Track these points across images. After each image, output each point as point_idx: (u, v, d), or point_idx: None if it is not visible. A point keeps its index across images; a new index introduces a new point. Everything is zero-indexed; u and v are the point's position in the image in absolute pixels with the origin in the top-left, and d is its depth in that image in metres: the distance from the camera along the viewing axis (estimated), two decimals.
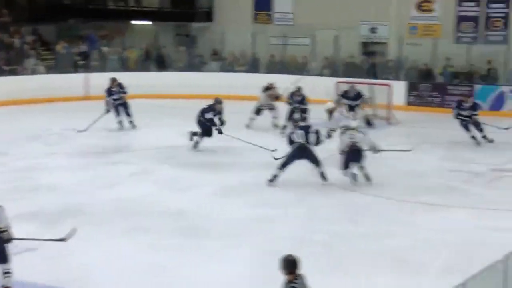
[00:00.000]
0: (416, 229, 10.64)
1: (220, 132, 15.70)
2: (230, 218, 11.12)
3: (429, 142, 16.71)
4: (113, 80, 18.38)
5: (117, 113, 18.22)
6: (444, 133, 17.60)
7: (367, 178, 12.96)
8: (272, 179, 13.03)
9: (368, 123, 18.49)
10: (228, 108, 18.51)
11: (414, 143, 16.32)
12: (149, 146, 16.29)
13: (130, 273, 8.89)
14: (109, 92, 18.20)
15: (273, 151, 14.17)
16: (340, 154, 13.11)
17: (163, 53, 24.94)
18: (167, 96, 22.59)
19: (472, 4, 22.75)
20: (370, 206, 11.82)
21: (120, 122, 18.13)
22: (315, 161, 13.14)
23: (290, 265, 6.25)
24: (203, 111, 15.98)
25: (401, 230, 10.55)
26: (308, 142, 13.04)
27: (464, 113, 16.36)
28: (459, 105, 16.50)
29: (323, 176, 13.11)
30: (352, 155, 12.93)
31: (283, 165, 13.14)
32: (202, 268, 9.09)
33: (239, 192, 12.58)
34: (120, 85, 18.30)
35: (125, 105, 18.25)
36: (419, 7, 23.51)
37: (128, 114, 18.24)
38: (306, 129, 13.19)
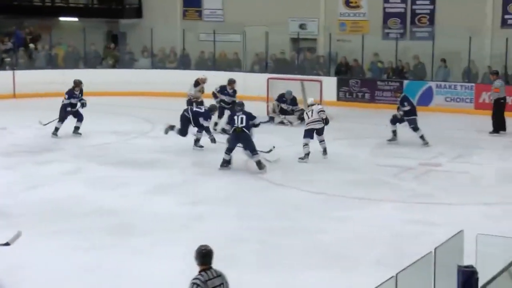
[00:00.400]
0: (348, 224, 10.75)
1: (213, 141, 15.10)
2: (161, 216, 11.05)
3: (360, 137, 16.91)
4: (78, 82, 16.97)
5: (64, 118, 16.80)
6: (374, 128, 17.84)
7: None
8: (222, 164, 13.76)
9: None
10: (160, 105, 18.51)
11: (346, 138, 16.58)
12: (79, 145, 16.08)
13: (61, 274, 8.75)
14: (70, 94, 16.78)
15: (269, 151, 14.37)
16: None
17: (92, 49, 24.62)
18: (97, 94, 22.26)
19: (398, 0, 23.11)
20: (302, 202, 11.89)
21: (56, 129, 16.73)
22: (250, 147, 13.60)
23: (199, 256, 6.12)
24: (200, 115, 15.33)
25: (333, 226, 10.64)
26: (245, 127, 13.56)
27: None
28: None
29: (258, 164, 13.54)
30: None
31: (228, 150, 13.76)
32: (133, 266, 9.02)
33: (171, 190, 12.52)
34: (82, 91, 17.03)
35: (78, 113, 16.89)
36: (347, 3, 23.78)
37: (79, 121, 16.91)
38: (247, 115, 13.81)
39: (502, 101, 17.83)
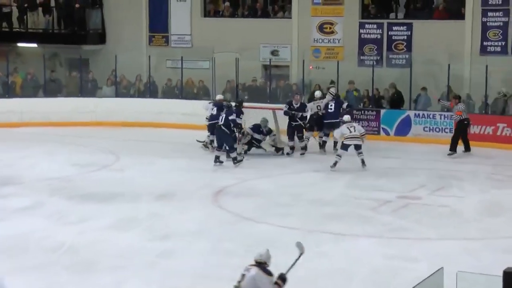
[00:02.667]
0: (324, 260, 10.72)
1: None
2: (126, 252, 10.96)
3: (336, 169, 16.98)
4: None
5: None
6: (350, 159, 17.90)
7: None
8: (215, 160, 16.96)
9: (277, 150, 18.68)
10: (124, 135, 18.44)
11: (322, 170, 16.66)
12: (39, 178, 15.96)
13: None
14: None
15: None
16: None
17: (52, 77, 24.50)
18: (57, 124, 22.19)
19: (374, 26, 23.34)
20: (274, 237, 11.85)
21: None
22: (227, 143, 16.87)
23: None
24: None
25: (309, 262, 10.60)
26: (224, 125, 16.77)
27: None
28: None
29: (234, 160, 16.75)
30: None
31: (218, 146, 17.15)
32: None
33: (136, 224, 12.44)
34: None
35: None
36: (321, 29, 23.95)
37: None
38: (228, 112, 17.08)
39: (465, 122, 18.61)
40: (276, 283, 7.57)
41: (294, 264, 7.77)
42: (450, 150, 18.50)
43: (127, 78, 24.68)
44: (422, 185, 15.44)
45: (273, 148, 18.74)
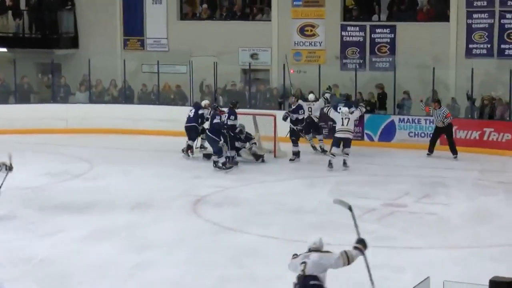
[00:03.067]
0: None
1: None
2: (101, 264, 10.91)
3: (319, 175, 17.00)
4: None
5: None
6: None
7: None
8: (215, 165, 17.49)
9: (257, 157, 18.68)
10: (98, 143, 18.36)
11: (304, 177, 16.69)
12: (10, 188, 15.79)
13: None
14: None
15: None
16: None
17: (23, 83, 24.39)
18: (29, 131, 22.07)
19: (356, 29, 23.42)
20: (256, 247, 11.86)
21: None
22: (213, 148, 17.60)
23: None
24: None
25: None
26: (209, 130, 17.67)
27: None
28: None
29: (222, 166, 17.35)
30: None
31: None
32: None
33: (112, 235, 12.39)
34: None
35: None
36: (302, 31, 24.01)
37: None
38: (213, 115, 17.84)
39: (451, 125, 19.32)
40: (356, 247, 7.98)
41: (355, 222, 8.14)
42: (429, 151, 19.28)
43: (100, 83, 24.60)
44: (407, 193, 15.49)
45: (251, 157, 18.72)
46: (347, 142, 17.46)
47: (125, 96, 24.13)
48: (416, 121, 20.89)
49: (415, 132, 20.88)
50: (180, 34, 25.23)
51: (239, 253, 11.54)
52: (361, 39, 23.36)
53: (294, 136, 19.03)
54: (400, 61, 22.35)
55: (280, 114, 19.94)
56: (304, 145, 19.36)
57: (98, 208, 14.22)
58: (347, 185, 16.17)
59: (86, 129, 22.81)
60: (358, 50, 23.34)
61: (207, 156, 18.64)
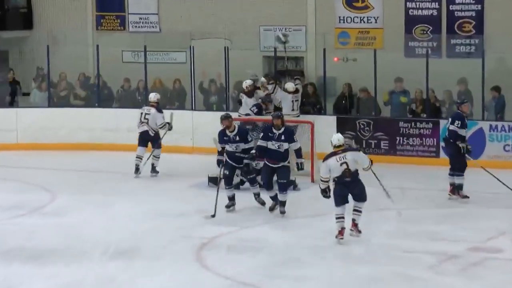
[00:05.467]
0: None
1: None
2: None
3: (374, 208, 17.03)
4: None
5: None
6: (395, 194, 17.95)
7: None
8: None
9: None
10: (63, 163, 18.48)
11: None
12: None
13: None
14: None
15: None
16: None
17: None
18: None
19: None
20: None
21: None
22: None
23: None
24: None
25: None
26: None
27: None
28: None
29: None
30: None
31: None
32: None
33: None
34: None
35: None
36: (349, 3, 23.98)
37: None
38: None
39: None
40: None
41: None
42: None
43: (64, 78, 24.70)
44: (503, 232, 15.44)
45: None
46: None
47: (99, 97, 24.19)
48: None
49: None
50: (176, 8, 25.33)
51: None
52: (435, 13, 23.37)
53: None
54: (490, 44, 22.31)
55: (320, 120, 19.99)
56: None
57: (63, 256, 14.23)
58: (416, 222, 16.12)
59: (44, 145, 22.93)
60: (431, 28, 23.33)
61: (212, 181, 18.64)
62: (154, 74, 24.10)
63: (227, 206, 16.96)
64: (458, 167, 17.68)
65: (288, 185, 17.00)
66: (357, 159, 14.85)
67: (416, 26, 23.46)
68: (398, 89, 22.23)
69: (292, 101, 20.61)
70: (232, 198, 17.06)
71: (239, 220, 16.32)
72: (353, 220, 14.99)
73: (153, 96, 20.48)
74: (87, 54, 25.03)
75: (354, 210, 14.98)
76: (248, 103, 20.81)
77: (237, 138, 16.92)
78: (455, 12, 23.15)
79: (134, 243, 14.87)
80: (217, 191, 16.91)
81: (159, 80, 24.24)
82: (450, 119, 18.06)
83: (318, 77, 23.32)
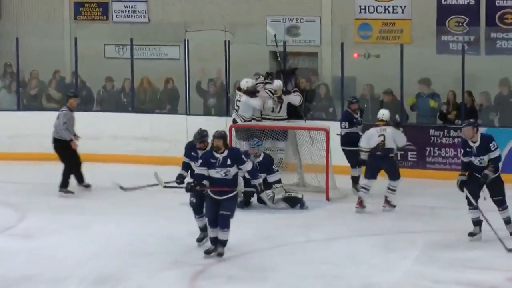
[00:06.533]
0: None
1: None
2: None
3: (399, 230, 17.10)
4: None
5: None
6: (424, 214, 18.04)
7: None
8: None
9: (292, 202, 18.79)
10: (34, 176, 18.52)
11: (378, 233, 16.78)
12: None
13: None
14: None
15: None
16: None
17: None
18: None
19: None
20: None
21: None
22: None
23: None
24: None
25: None
26: None
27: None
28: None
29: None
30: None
31: None
32: None
33: None
34: None
35: None
36: None
37: None
38: None
39: None
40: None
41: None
42: None
43: (36, 77, 24.78)
44: None
45: (283, 203, 18.87)
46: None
47: (80, 99, 24.28)
48: None
49: None
50: None
51: None
52: (472, 2, 23.45)
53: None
54: None
55: (335, 126, 20.07)
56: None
57: (36, 285, 14.34)
58: (448, 247, 16.17)
59: (12, 154, 23.10)
60: (467, 20, 23.41)
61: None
62: (142, 72, 24.18)
63: (198, 240, 16.22)
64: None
65: (230, 218, 15.49)
66: (395, 137, 18.37)
67: (450, 17, 23.55)
68: (426, 92, 22.23)
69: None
70: (204, 229, 16.18)
71: (241, 243, 16.35)
72: (385, 197, 18.36)
73: None
74: (63, 49, 25.12)
75: (388, 188, 18.42)
76: (249, 103, 20.80)
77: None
78: (496, 1, 23.25)
79: (116, 271, 14.90)
80: None
81: (147, 79, 24.30)
82: None
83: (334, 77, 23.37)
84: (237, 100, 20.89)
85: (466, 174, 16.35)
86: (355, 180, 19.84)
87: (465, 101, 21.63)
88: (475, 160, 16.21)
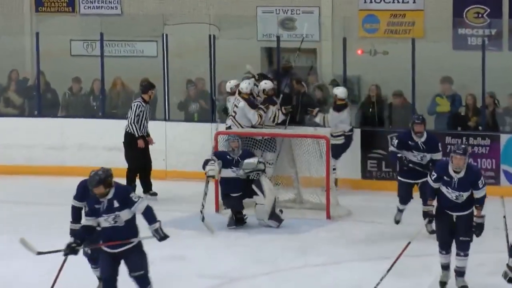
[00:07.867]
0: None
1: None
2: None
3: (414, 254, 17.11)
4: None
5: None
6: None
7: None
8: None
9: (278, 219, 18.87)
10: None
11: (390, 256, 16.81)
12: None
13: None
14: None
15: None
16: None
17: None
18: None
19: None
20: None
21: None
22: None
23: None
24: None
25: None
26: None
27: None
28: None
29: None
30: None
31: None
32: None
33: None
34: None
35: None
36: None
37: None
38: None
39: None
40: None
41: None
42: None
43: None
44: None
45: (272, 221, 18.93)
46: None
47: (40, 103, 24.29)
48: None
49: None
50: None
51: None
52: None
53: None
54: None
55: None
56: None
57: None
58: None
59: None
60: (488, 10, 23.47)
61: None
62: (114, 71, 24.24)
63: None
64: None
65: (146, 276, 14.10)
66: None
67: (469, 8, 23.62)
68: (446, 93, 22.26)
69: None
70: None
71: (229, 268, 16.39)
72: None
73: None
74: (23, 46, 25.21)
75: None
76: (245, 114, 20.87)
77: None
78: None
79: None
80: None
81: (120, 79, 24.34)
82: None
83: (336, 76, 23.41)
84: (235, 105, 20.96)
85: (433, 205, 15.49)
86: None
87: (486, 104, 21.64)
88: (452, 194, 15.18)
